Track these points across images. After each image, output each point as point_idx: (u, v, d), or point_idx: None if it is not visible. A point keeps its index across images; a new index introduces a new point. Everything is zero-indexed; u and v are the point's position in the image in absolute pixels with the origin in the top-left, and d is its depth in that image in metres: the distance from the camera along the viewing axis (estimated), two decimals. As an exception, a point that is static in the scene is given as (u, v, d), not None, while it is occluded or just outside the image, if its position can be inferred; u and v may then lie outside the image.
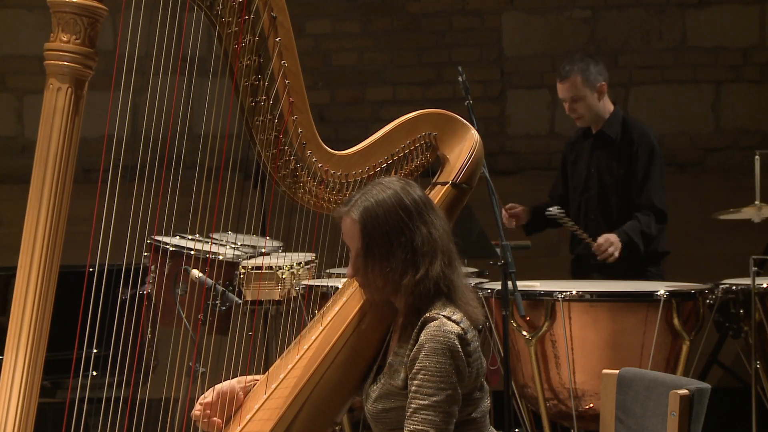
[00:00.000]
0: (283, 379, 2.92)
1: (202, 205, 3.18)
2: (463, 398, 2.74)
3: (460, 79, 4.31)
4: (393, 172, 3.15)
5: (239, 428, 2.87)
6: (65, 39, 2.64)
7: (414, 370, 2.72)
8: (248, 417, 2.89)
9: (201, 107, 2.99)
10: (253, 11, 2.91)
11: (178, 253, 4.70)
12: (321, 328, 2.99)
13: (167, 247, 4.74)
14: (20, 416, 2.59)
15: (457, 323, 2.72)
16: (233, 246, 4.89)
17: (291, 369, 2.93)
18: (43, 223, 2.63)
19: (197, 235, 4.69)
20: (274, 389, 2.91)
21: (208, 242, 4.77)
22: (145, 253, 4.84)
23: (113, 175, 2.89)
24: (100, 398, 3.07)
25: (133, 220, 2.96)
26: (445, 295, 2.77)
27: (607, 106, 5.28)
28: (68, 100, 2.64)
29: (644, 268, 5.10)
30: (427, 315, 2.74)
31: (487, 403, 2.84)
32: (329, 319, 2.99)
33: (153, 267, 4.81)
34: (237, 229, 4.46)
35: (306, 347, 2.96)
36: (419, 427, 2.69)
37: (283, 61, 2.96)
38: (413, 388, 2.71)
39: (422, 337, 2.73)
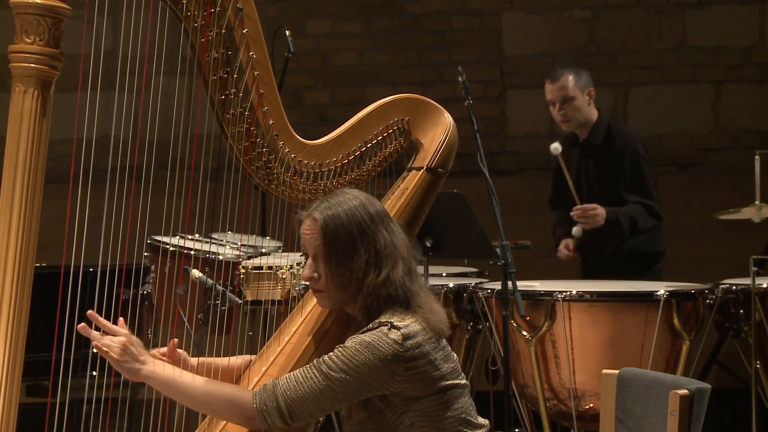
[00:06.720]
0: (264, 373, 2.91)
1: (200, 206, 3.17)
2: (405, 401, 2.67)
3: (460, 79, 4.31)
4: (367, 160, 3.14)
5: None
6: (29, 40, 2.59)
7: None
8: None
9: (197, 107, 2.99)
10: (218, 4, 2.88)
11: (179, 253, 4.71)
12: (301, 319, 2.98)
13: (167, 247, 4.75)
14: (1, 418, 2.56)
15: (399, 329, 2.65)
16: (233, 246, 4.89)
17: (273, 361, 2.92)
18: (16, 226, 2.59)
19: (197, 235, 4.69)
20: (256, 382, 2.89)
21: (208, 242, 4.77)
22: (145, 253, 4.84)
23: (115, 177, 2.89)
24: (99, 398, 3.07)
25: (133, 221, 2.96)
26: (402, 302, 2.71)
27: (593, 112, 5.31)
28: (35, 102, 2.60)
29: (641, 270, 5.12)
30: (377, 321, 2.68)
31: (451, 412, 2.73)
32: (309, 309, 2.98)
33: (153, 267, 4.81)
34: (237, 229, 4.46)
35: (287, 339, 2.95)
36: (300, 377, 2.64)
37: (251, 53, 2.93)
38: (323, 357, 2.67)
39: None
